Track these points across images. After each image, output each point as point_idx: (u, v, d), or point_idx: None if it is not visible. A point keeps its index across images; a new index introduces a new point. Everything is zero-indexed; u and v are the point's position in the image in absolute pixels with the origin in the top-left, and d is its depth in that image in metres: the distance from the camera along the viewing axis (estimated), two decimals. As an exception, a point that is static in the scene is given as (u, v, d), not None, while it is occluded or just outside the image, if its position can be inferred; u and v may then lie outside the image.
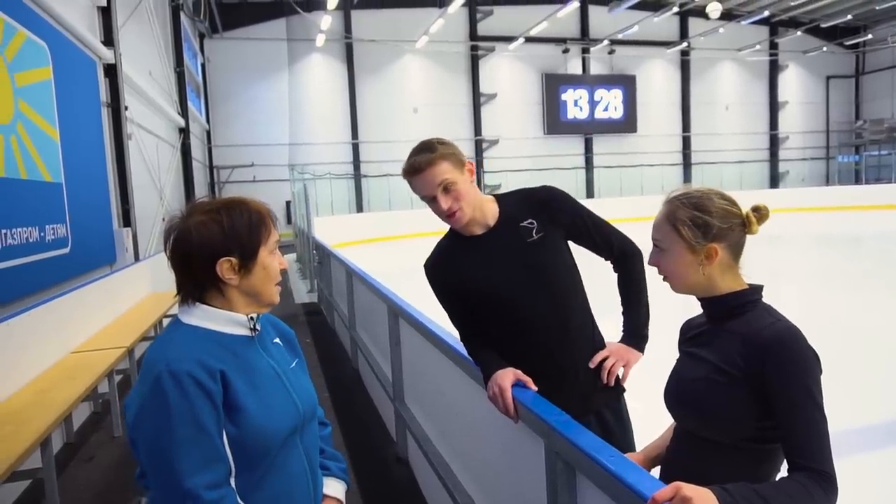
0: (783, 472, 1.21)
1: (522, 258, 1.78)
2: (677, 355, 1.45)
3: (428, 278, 1.92)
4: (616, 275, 1.93)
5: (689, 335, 1.41)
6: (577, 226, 1.86)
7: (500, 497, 1.99)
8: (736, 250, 1.32)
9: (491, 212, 1.83)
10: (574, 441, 1.31)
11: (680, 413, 1.36)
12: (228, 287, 1.27)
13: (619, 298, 1.92)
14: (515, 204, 1.86)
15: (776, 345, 1.18)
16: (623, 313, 1.91)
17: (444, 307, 1.92)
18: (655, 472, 1.46)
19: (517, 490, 1.79)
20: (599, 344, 1.89)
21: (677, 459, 1.38)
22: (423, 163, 1.73)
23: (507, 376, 1.66)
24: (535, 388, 1.64)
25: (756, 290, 1.32)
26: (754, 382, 1.19)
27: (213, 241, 1.25)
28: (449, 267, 1.86)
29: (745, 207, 1.32)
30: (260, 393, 1.25)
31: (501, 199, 1.87)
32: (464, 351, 2.06)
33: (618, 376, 1.84)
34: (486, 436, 2.04)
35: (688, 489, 1.01)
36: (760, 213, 1.31)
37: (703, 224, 1.28)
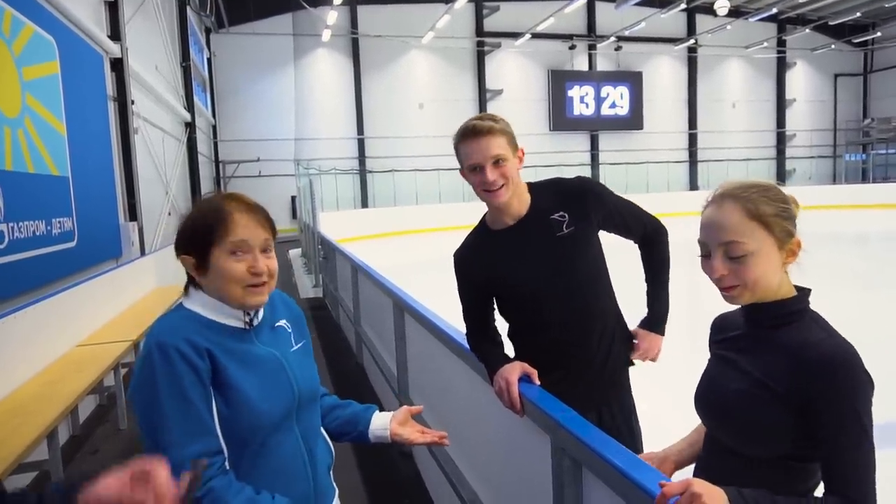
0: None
1: (550, 252, 1.75)
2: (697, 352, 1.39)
3: (455, 268, 1.90)
4: (641, 252, 1.94)
5: (726, 336, 1.30)
6: (612, 217, 1.83)
7: (506, 492, 1.98)
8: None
9: (524, 201, 1.80)
10: (580, 437, 1.31)
11: (713, 423, 1.27)
12: (203, 283, 1.28)
13: (642, 276, 1.95)
14: (548, 195, 1.81)
15: (828, 365, 1.08)
16: (648, 292, 1.93)
17: (460, 297, 1.91)
18: (677, 475, 1.40)
19: (523, 485, 1.79)
20: (622, 336, 1.89)
21: (710, 469, 1.30)
22: (484, 129, 1.69)
23: (514, 370, 1.66)
24: (538, 382, 1.64)
25: (806, 296, 1.21)
26: (798, 401, 1.10)
27: (178, 238, 1.30)
28: (476, 263, 1.84)
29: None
30: (252, 374, 1.26)
31: (534, 189, 1.84)
32: (467, 345, 2.06)
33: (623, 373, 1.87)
34: (491, 431, 2.04)
35: (699, 485, 0.98)
36: (795, 201, 1.22)
37: (791, 216, 1.18)
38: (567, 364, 1.78)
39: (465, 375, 2.16)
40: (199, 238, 1.26)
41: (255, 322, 1.32)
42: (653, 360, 1.92)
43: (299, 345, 1.41)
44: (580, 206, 1.77)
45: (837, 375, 1.07)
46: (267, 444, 1.26)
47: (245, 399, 1.22)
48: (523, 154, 1.78)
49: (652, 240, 1.90)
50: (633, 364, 1.93)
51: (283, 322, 1.40)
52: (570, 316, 1.77)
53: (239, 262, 1.25)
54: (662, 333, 1.91)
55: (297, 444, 1.33)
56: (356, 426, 1.52)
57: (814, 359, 1.09)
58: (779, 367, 1.14)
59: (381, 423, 1.51)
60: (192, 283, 1.31)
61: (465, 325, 1.96)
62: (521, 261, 1.77)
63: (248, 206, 1.31)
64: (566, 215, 1.77)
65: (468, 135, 1.71)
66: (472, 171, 1.73)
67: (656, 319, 1.91)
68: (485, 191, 1.73)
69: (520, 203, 1.79)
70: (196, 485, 0.89)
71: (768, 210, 1.17)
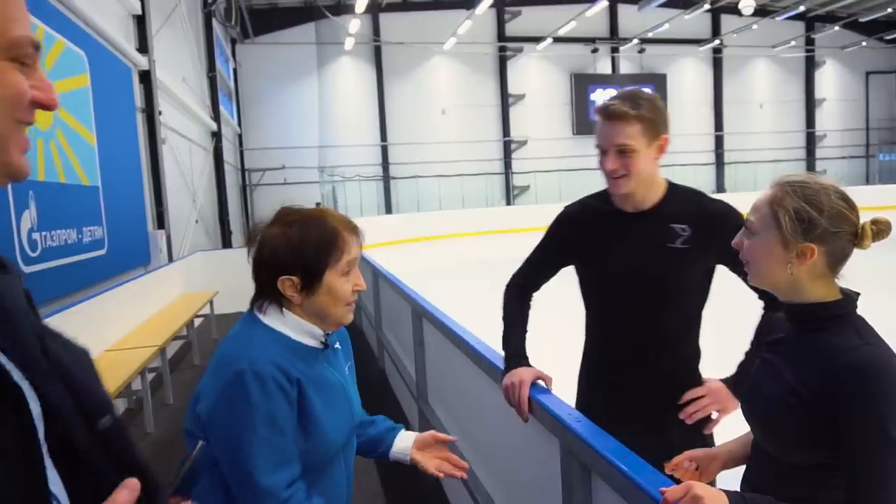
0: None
1: (651, 258, 1.64)
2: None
3: (556, 218, 1.85)
4: (764, 307, 1.65)
5: (772, 338, 1.29)
6: (735, 255, 1.70)
7: (519, 497, 1.99)
8: (836, 259, 1.16)
9: (654, 196, 1.69)
10: (588, 441, 1.31)
11: (754, 428, 1.27)
12: (291, 304, 1.26)
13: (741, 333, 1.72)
14: (682, 202, 1.69)
15: (857, 373, 1.05)
16: (747, 353, 1.66)
17: (537, 246, 1.86)
18: (724, 475, 1.39)
19: (534, 490, 1.79)
20: (693, 375, 1.74)
21: (752, 473, 1.29)
22: (616, 113, 1.59)
23: (530, 373, 1.65)
24: (551, 389, 1.64)
25: (849, 301, 1.16)
26: (827, 409, 1.07)
27: (279, 257, 1.25)
28: (579, 226, 1.78)
29: (865, 217, 1.16)
30: (328, 404, 1.27)
31: (672, 190, 1.72)
32: (486, 352, 2.07)
33: (702, 420, 1.67)
34: (504, 436, 2.05)
35: (699, 488, 0.98)
36: (880, 227, 1.14)
37: (808, 220, 1.13)
38: (629, 381, 1.71)
39: (481, 381, 2.17)
40: (315, 260, 1.25)
41: (328, 342, 1.34)
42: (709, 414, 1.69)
43: (348, 365, 1.44)
44: (708, 230, 1.62)
45: (866, 384, 1.05)
46: (325, 474, 1.29)
47: (321, 429, 1.24)
48: (666, 142, 1.64)
49: (775, 305, 1.69)
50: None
51: (337, 344, 1.42)
52: (643, 328, 1.68)
53: (347, 282, 1.27)
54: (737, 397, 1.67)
55: (342, 469, 1.35)
56: (379, 446, 1.51)
57: (843, 366, 1.07)
58: (811, 374, 1.12)
59: (404, 445, 1.50)
60: (273, 300, 1.27)
61: (518, 269, 1.90)
62: (619, 252, 1.69)
63: (352, 225, 1.32)
64: (688, 230, 1.64)
65: (603, 114, 1.63)
66: (599, 150, 1.67)
67: (738, 378, 1.66)
68: (606, 174, 1.66)
69: (645, 196, 1.68)
70: (191, 465, 0.88)
71: (785, 202, 1.15)
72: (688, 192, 1.74)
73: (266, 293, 1.28)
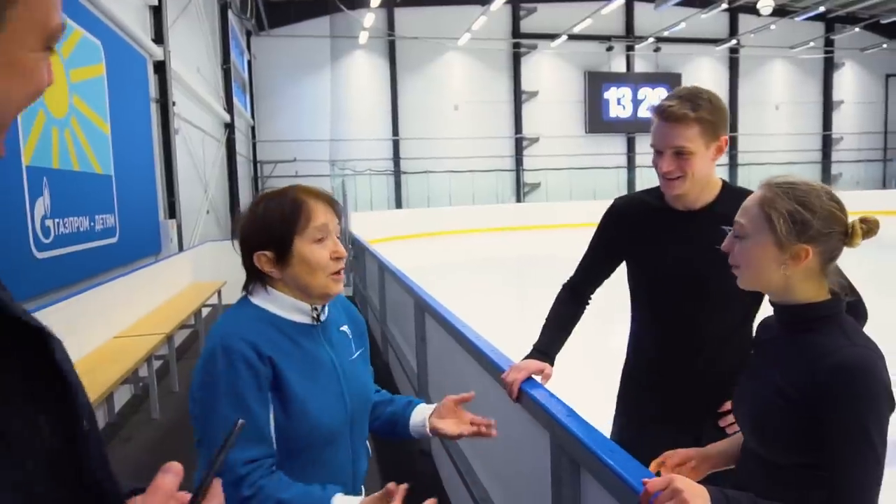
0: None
1: (698, 259, 1.60)
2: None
3: (606, 211, 1.84)
4: None
5: (764, 339, 1.31)
6: None
7: (513, 491, 2.01)
8: (827, 259, 1.17)
9: (707, 196, 1.66)
10: (577, 435, 1.33)
11: (743, 430, 1.29)
12: (274, 280, 1.27)
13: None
14: (735, 203, 1.65)
15: (840, 373, 1.06)
16: None
17: (590, 242, 1.86)
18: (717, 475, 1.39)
19: (526, 484, 1.81)
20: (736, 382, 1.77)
21: (742, 473, 1.30)
22: (675, 115, 1.55)
23: (534, 365, 1.68)
24: (544, 384, 1.66)
25: (837, 302, 1.18)
26: (812, 409, 1.09)
27: (250, 235, 1.28)
28: (627, 221, 1.77)
29: (853, 216, 1.18)
30: (314, 385, 1.26)
31: (727, 191, 1.68)
32: (484, 347, 2.09)
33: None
34: (500, 429, 2.06)
35: (680, 481, 1.00)
36: (869, 225, 1.16)
37: (802, 221, 1.14)
38: (669, 375, 1.70)
39: (480, 376, 2.19)
40: (281, 230, 1.25)
41: (323, 318, 1.33)
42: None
43: (358, 352, 1.41)
44: None
45: (848, 385, 1.05)
46: (320, 457, 1.27)
47: (303, 409, 1.22)
48: (726, 143, 1.61)
49: None
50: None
51: (345, 328, 1.41)
52: (686, 329, 1.67)
53: (322, 248, 1.26)
54: None
55: (348, 457, 1.33)
56: (396, 426, 1.48)
57: (827, 366, 1.08)
58: (797, 374, 1.13)
59: (421, 418, 1.47)
60: (258, 280, 1.29)
61: (573, 273, 1.89)
62: (664, 249, 1.68)
63: (318, 193, 1.31)
64: None
65: (659, 114, 1.59)
66: (654, 150, 1.64)
67: None
68: (660, 175, 1.64)
69: (698, 196, 1.65)
70: (227, 449, 0.78)
71: (777, 204, 1.16)
72: (742, 194, 1.69)
73: (252, 275, 1.30)
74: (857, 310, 1.45)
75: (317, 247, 1.26)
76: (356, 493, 1.35)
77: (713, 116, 1.55)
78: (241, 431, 0.75)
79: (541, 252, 14.95)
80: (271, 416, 1.21)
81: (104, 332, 4.48)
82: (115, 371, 3.67)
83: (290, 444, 1.23)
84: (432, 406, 1.50)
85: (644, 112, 24.27)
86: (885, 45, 25.37)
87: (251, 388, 1.18)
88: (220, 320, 1.28)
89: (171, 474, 0.64)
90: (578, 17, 20.67)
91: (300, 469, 1.25)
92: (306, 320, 1.30)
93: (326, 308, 1.35)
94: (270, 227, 1.25)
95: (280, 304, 1.28)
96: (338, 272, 1.28)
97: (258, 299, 1.29)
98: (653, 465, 1.33)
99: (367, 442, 1.47)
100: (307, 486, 1.20)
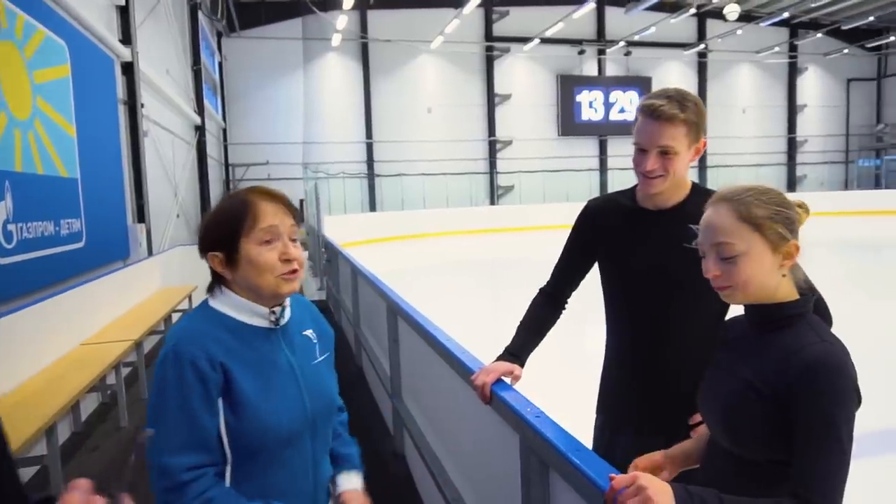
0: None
1: (667, 257, 1.63)
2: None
3: (580, 213, 1.85)
4: None
5: (730, 338, 1.32)
6: None
7: (484, 492, 2.02)
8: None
9: (678, 196, 1.70)
10: (545, 436, 1.34)
11: (711, 426, 1.29)
12: (229, 282, 1.28)
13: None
14: (703, 203, 1.66)
15: (810, 368, 1.08)
16: None
17: (565, 245, 1.88)
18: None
19: (497, 485, 1.82)
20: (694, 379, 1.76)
21: (709, 470, 1.31)
22: (665, 114, 1.56)
23: (502, 366, 1.69)
24: (512, 385, 1.68)
25: (807, 300, 1.21)
26: (782, 403, 1.11)
27: (202, 236, 1.29)
28: (600, 221, 1.79)
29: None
30: (268, 388, 1.25)
31: (696, 192, 1.71)
32: (455, 350, 2.11)
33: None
34: (471, 431, 2.08)
35: (644, 479, 1.01)
36: (803, 207, 1.23)
37: (787, 218, 1.18)
38: (641, 379, 1.72)
39: (452, 379, 2.20)
40: (228, 231, 1.25)
41: (282, 321, 1.32)
42: None
43: (322, 357, 1.41)
44: None
45: (817, 380, 1.08)
46: (279, 458, 1.26)
47: (254, 412, 1.21)
48: (704, 146, 1.65)
49: None
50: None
51: (309, 332, 1.40)
52: (659, 326, 1.69)
53: (270, 250, 1.25)
54: None
55: (308, 459, 1.32)
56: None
57: (798, 361, 1.10)
58: (768, 370, 1.15)
59: (341, 483, 1.45)
60: (218, 282, 1.30)
61: (548, 279, 1.91)
62: (635, 248, 1.71)
63: (271, 194, 1.30)
64: None
65: (647, 113, 1.59)
66: (637, 148, 1.65)
67: None
68: (641, 173, 1.65)
69: (670, 196, 1.69)
70: (141, 456, 0.86)
71: (760, 212, 1.18)
72: (710, 193, 1.78)
73: (213, 277, 1.31)
74: (821, 307, 1.49)
75: (264, 248, 1.25)
76: (317, 497, 1.35)
77: (698, 118, 1.60)
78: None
79: (514, 254, 15.05)
80: (222, 422, 1.20)
81: (70, 338, 4.38)
82: (81, 379, 3.60)
83: (245, 447, 1.22)
84: (344, 488, 1.45)
85: (616, 115, 24.63)
86: (846, 51, 26.14)
87: (197, 394, 1.18)
88: (177, 324, 1.28)
89: (79, 491, 0.63)
90: (550, 21, 20.88)
91: (259, 470, 1.25)
92: (264, 324, 1.30)
93: (287, 311, 1.34)
94: (219, 228, 1.27)
95: (237, 308, 1.28)
96: (289, 273, 1.27)
97: (217, 302, 1.29)
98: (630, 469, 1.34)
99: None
100: (250, 501, 1.21)
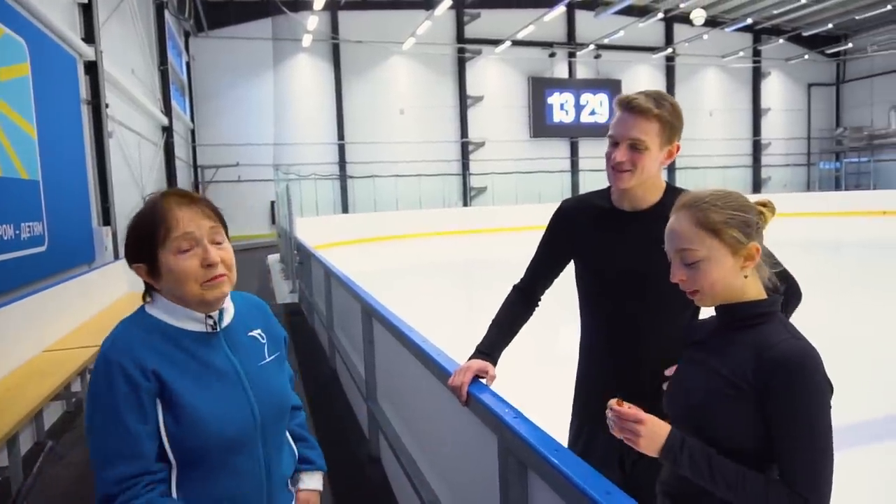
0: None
1: (642, 257, 1.61)
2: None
3: (555, 212, 1.85)
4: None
5: (698, 339, 1.34)
6: None
7: (462, 494, 2.01)
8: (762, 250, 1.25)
9: (652, 198, 1.69)
10: (523, 437, 1.34)
11: (682, 424, 1.27)
12: (160, 289, 1.24)
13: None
14: None
15: (787, 364, 1.12)
16: None
17: (538, 245, 1.87)
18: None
19: (475, 487, 1.81)
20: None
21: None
22: (639, 107, 1.58)
23: (477, 364, 1.69)
24: (489, 384, 1.67)
25: (776, 299, 1.25)
26: (759, 398, 1.14)
27: (126, 248, 1.26)
28: (575, 221, 1.79)
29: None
30: (208, 393, 1.21)
31: (670, 192, 1.71)
32: (431, 351, 2.09)
33: None
34: (448, 433, 2.07)
35: (646, 416, 1.14)
36: (768, 206, 1.26)
37: (744, 222, 1.22)
38: (619, 379, 1.72)
39: (427, 380, 2.18)
40: (144, 244, 1.21)
41: (222, 325, 1.28)
42: None
43: (272, 357, 1.35)
44: None
45: (794, 375, 1.11)
46: (227, 463, 1.22)
47: (195, 418, 1.17)
48: (677, 150, 1.65)
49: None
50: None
51: (257, 332, 1.35)
52: (635, 327, 1.70)
53: (190, 258, 1.19)
54: None
55: (258, 464, 1.28)
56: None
57: (774, 357, 1.13)
58: (743, 365, 1.17)
59: (303, 482, 1.45)
60: (151, 288, 1.26)
61: (522, 276, 1.91)
62: (610, 248, 1.71)
63: (187, 197, 1.23)
64: None
65: (622, 105, 1.62)
66: (610, 140, 1.65)
67: None
68: (611, 166, 1.65)
69: (644, 196, 1.69)
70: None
71: (717, 218, 1.22)
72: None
73: (145, 284, 1.28)
74: (791, 284, 1.56)
75: (182, 257, 1.19)
76: (270, 499, 1.31)
77: (673, 119, 1.61)
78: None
79: (488, 255, 15.10)
80: (161, 428, 1.16)
81: (33, 345, 4.24)
82: (45, 386, 3.48)
83: (188, 452, 1.18)
84: (304, 486, 1.45)
85: (587, 117, 24.93)
86: (807, 56, 26.92)
87: (128, 402, 1.13)
88: (111, 332, 1.22)
89: None
90: (521, 24, 21.04)
91: (203, 476, 1.21)
92: (201, 328, 1.25)
93: (228, 313, 1.31)
94: (136, 241, 1.23)
95: (172, 314, 1.24)
96: (213, 279, 1.21)
97: (153, 308, 1.25)
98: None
99: (292, 443, 1.44)
100: None
